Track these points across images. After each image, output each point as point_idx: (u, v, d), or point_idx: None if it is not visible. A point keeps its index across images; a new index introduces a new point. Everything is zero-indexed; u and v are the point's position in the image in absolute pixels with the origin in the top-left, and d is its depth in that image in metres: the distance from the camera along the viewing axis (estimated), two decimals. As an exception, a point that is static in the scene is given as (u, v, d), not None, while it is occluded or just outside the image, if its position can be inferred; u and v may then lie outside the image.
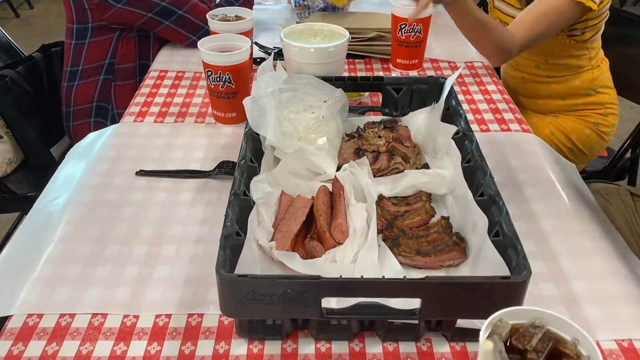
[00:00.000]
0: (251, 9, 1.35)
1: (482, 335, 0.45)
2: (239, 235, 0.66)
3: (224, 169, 0.91)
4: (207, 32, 1.21)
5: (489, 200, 0.69)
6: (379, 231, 0.72)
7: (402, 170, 0.83)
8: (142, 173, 0.91)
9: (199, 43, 1.00)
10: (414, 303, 0.58)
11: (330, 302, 0.60)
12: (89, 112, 1.42)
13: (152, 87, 1.19)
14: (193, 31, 1.33)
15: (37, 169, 1.54)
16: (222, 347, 0.63)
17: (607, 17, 1.29)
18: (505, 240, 0.63)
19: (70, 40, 1.40)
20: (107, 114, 1.42)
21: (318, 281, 0.56)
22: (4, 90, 1.41)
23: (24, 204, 1.46)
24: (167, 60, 1.33)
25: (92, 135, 1.06)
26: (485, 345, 0.43)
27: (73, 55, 1.40)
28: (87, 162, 0.96)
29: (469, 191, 0.74)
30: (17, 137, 1.48)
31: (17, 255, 0.77)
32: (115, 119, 1.39)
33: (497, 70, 1.48)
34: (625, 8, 3.75)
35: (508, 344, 0.46)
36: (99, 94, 1.41)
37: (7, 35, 1.64)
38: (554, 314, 0.47)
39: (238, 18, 1.17)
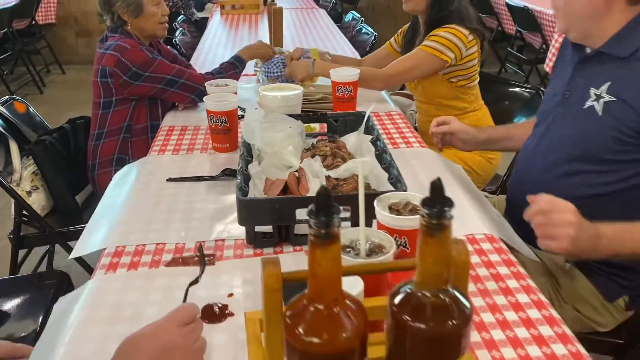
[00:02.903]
0: (237, 79, 1.88)
1: (376, 205, 0.92)
2: (243, 190, 1.12)
3: (225, 172, 1.38)
4: (202, 92, 1.73)
5: (396, 177, 1.18)
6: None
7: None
8: (171, 180, 1.37)
9: (205, 98, 1.50)
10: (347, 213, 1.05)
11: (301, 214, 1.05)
12: (111, 163, 1.88)
13: (166, 135, 1.68)
14: (192, 92, 1.84)
15: (63, 214, 1.96)
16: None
17: (477, 72, 1.89)
18: (395, 180, 1.11)
19: (97, 111, 1.88)
20: (124, 163, 1.87)
21: (292, 198, 1.03)
22: (44, 151, 1.86)
23: (58, 239, 1.88)
24: (172, 120, 1.82)
25: (120, 173, 1.50)
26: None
27: (100, 122, 1.88)
28: (128, 186, 1.40)
29: (383, 171, 1.23)
30: (50, 188, 1.91)
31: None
32: (131, 167, 1.85)
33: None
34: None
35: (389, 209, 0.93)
36: (119, 148, 1.88)
37: (38, 113, 2.12)
38: (413, 194, 0.95)
39: (227, 85, 1.69)
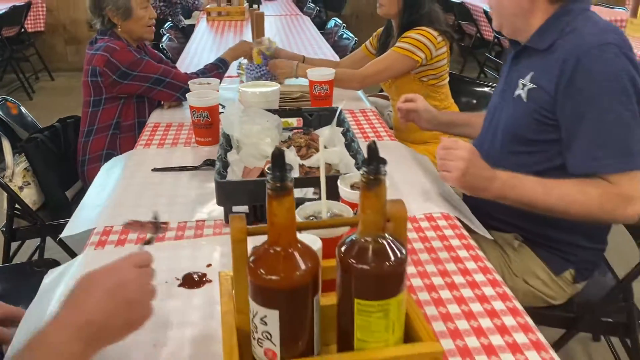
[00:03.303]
0: (220, 80, 1.99)
1: (339, 184, 1.03)
2: (221, 174, 1.23)
3: (207, 162, 1.48)
4: (187, 90, 1.83)
5: (361, 162, 1.29)
6: (300, 177, 1.30)
7: (314, 155, 1.43)
8: (156, 170, 1.47)
9: (187, 94, 1.61)
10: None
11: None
12: (100, 158, 1.97)
13: (151, 131, 1.78)
14: (177, 91, 1.94)
15: (53, 209, 2.04)
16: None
17: (446, 72, 2.02)
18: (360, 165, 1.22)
19: (87, 109, 1.98)
20: (113, 158, 1.97)
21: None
22: (36, 148, 1.95)
23: (49, 231, 1.96)
24: (158, 117, 1.93)
25: (108, 164, 1.60)
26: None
27: (90, 119, 1.98)
28: (116, 175, 1.50)
29: (351, 158, 1.34)
30: (41, 184, 2.00)
31: None
32: (119, 162, 1.95)
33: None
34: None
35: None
36: (108, 144, 1.97)
37: (30, 114, 2.21)
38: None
39: (209, 83, 1.80)
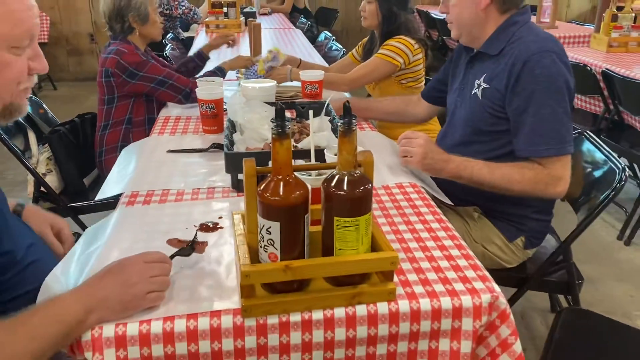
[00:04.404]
0: (224, 78, 2.27)
1: (326, 152, 1.29)
2: (229, 148, 1.48)
3: (214, 145, 1.74)
4: (188, 93, 2.10)
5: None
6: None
7: (306, 139, 1.69)
8: (170, 151, 1.73)
9: (197, 89, 1.87)
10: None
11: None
12: (115, 149, 2.22)
13: (163, 123, 2.04)
14: (179, 93, 2.19)
15: (72, 194, 2.29)
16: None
17: (423, 75, 2.31)
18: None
19: (102, 106, 2.24)
20: (127, 149, 2.23)
21: (266, 152, 1.39)
22: (58, 139, 2.20)
23: (69, 212, 2.20)
24: (168, 112, 2.18)
25: (128, 147, 1.85)
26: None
27: (105, 115, 2.24)
28: (136, 156, 1.75)
29: (336, 139, 1.60)
30: (62, 171, 2.25)
31: None
32: (132, 153, 2.20)
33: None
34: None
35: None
36: (122, 137, 2.23)
37: (49, 110, 2.46)
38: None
39: (213, 81, 2.07)
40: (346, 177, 0.93)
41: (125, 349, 0.92)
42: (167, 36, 4.10)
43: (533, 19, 4.53)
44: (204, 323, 0.94)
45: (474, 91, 1.58)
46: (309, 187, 1.08)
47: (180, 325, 0.93)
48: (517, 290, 1.72)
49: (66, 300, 0.92)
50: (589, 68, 3.08)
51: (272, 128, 0.90)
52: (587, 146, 1.77)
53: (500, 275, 1.68)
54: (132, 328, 0.92)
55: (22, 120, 2.18)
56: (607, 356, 1.39)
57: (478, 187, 1.50)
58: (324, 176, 1.14)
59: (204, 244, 1.17)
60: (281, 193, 0.91)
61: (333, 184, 0.93)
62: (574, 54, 3.42)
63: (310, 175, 1.17)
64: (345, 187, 0.92)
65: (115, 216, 1.32)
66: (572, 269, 1.66)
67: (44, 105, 2.44)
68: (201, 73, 2.40)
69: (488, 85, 1.53)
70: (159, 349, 0.93)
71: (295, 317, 0.96)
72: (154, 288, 0.96)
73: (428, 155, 1.46)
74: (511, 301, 1.72)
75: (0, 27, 0.91)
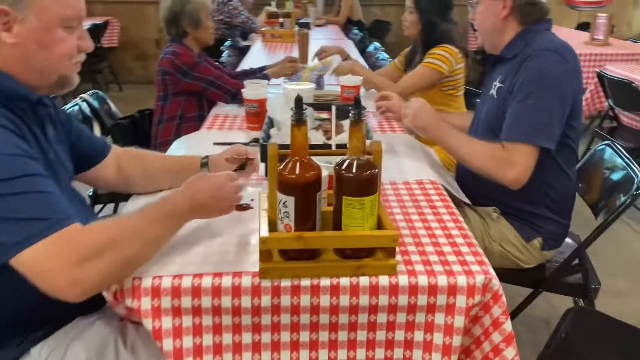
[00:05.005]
0: (269, 80, 2.45)
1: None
2: (265, 140, 1.64)
3: (254, 140, 1.91)
4: (234, 94, 2.29)
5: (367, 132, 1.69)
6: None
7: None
8: (216, 143, 1.91)
9: (243, 90, 2.05)
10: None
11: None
12: (168, 142, 2.42)
13: (213, 119, 2.23)
14: (227, 93, 2.40)
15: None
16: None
17: (462, 84, 2.41)
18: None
19: (158, 102, 2.47)
20: (179, 143, 2.44)
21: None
22: (120, 131, 2.43)
23: (125, 199, 2.43)
24: (218, 110, 2.38)
25: (180, 139, 2.05)
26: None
27: (160, 111, 2.46)
28: (186, 145, 1.95)
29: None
30: (121, 161, 2.47)
31: None
32: (184, 146, 2.41)
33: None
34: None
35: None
36: (175, 131, 2.44)
37: (114, 106, 2.71)
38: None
39: (258, 83, 2.25)
40: (355, 162, 1.06)
41: (159, 299, 1.08)
42: (225, 43, 4.35)
43: (586, 35, 4.54)
44: (227, 281, 1.09)
45: (491, 91, 1.69)
46: (327, 174, 1.22)
47: (207, 282, 1.09)
48: (532, 290, 1.79)
49: (176, 199, 1.13)
50: (634, 85, 3.08)
51: (291, 116, 1.05)
52: (608, 153, 1.83)
53: (517, 275, 1.77)
54: (166, 281, 1.09)
55: (89, 113, 2.43)
56: (610, 356, 1.44)
57: (454, 156, 1.71)
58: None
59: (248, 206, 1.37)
60: (297, 172, 1.05)
61: (343, 167, 1.07)
62: (622, 70, 3.42)
63: (330, 164, 1.31)
64: (353, 170, 1.06)
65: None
66: (587, 272, 1.72)
67: (109, 101, 2.69)
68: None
69: (501, 85, 1.65)
70: (187, 301, 1.09)
71: (306, 282, 1.09)
72: (231, 202, 1.21)
73: (419, 114, 1.68)
74: (527, 301, 1.80)
75: (56, 8, 1.09)
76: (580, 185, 1.94)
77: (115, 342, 1.18)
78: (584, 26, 5.86)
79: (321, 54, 2.92)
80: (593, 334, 1.50)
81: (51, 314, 1.15)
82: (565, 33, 5.18)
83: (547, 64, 1.52)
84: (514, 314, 1.81)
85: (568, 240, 1.84)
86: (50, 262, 0.94)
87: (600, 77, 3.43)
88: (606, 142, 1.96)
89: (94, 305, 1.16)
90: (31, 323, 1.14)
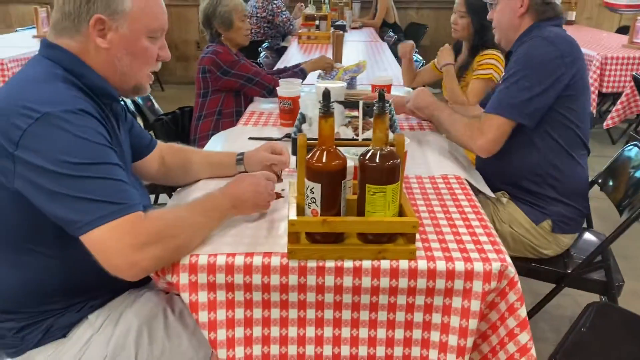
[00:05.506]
0: (303, 79, 2.56)
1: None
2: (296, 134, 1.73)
3: (286, 135, 2.00)
4: (271, 90, 2.39)
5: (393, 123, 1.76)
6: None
7: (367, 133, 1.91)
8: (251, 138, 2.01)
9: (278, 88, 2.15)
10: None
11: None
12: (207, 137, 2.55)
13: (249, 116, 2.34)
14: (264, 89, 2.51)
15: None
16: (291, 172, 1.68)
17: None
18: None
19: (198, 99, 2.59)
20: (217, 138, 2.56)
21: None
22: (162, 126, 2.57)
23: (163, 190, 2.57)
24: (254, 107, 2.49)
25: (218, 134, 2.16)
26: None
27: (200, 107, 2.58)
28: (223, 139, 2.06)
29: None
30: (162, 155, 2.61)
31: None
32: (220, 142, 2.52)
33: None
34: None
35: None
36: (213, 126, 2.56)
37: (156, 103, 2.86)
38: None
39: (292, 81, 2.35)
40: (378, 152, 1.14)
41: (196, 275, 1.18)
42: (263, 45, 4.47)
43: (625, 38, 4.49)
44: (257, 260, 1.18)
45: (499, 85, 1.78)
46: (352, 164, 1.30)
47: (239, 260, 1.18)
48: (555, 286, 1.83)
49: (218, 196, 1.26)
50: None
51: (319, 108, 1.13)
52: (634, 152, 1.85)
53: (539, 270, 1.81)
54: (203, 259, 1.18)
55: (133, 109, 2.58)
56: (630, 351, 1.46)
57: (441, 130, 1.97)
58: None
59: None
60: (323, 160, 1.13)
61: (367, 157, 1.14)
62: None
63: (356, 156, 1.39)
64: (376, 160, 1.13)
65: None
66: (610, 268, 1.75)
67: (152, 99, 2.83)
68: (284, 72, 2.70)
69: (505, 75, 1.74)
70: (221, 277, 1.18)
71: (330, 264, 1.18)
72: (268, 199, 1.36)
73: (419, 95, 1.96)
74: (550, 296, 1.84)
75: (143, 19, 1.20)
76: (609, 184, 1.97)
77: (164, 311, 1.31)
78: (624, 30, 5.76)
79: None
80: (613, 328, 1.53)
81: (107, 286, 1.28)
82: (605, 36, 5.12)
83: (533, 48, 1.64)
84: (536, 310, 1.86)
85: (592, 237, 1.87)
86: (115, 243, 1.06)
87: (637, 80, 3.40)
88: (635, 142, 1.98)
89: (142, 280, 1.28)
90: (90, 292, 1.27)
